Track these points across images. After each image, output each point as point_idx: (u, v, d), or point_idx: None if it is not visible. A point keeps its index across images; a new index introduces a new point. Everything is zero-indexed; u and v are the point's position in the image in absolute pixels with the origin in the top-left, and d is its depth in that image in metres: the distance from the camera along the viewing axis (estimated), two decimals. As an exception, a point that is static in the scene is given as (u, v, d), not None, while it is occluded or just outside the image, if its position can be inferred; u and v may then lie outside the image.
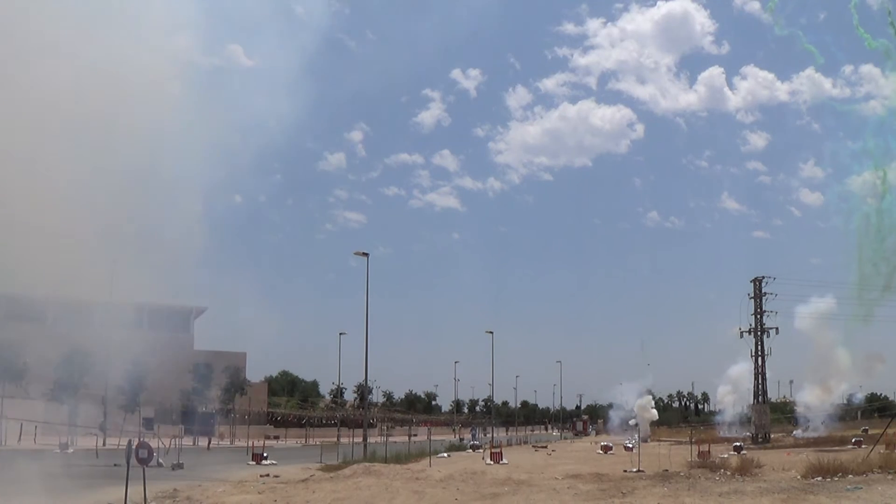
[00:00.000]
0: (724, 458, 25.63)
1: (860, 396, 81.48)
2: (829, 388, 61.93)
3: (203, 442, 48.24)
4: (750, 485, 16.88)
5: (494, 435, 66.33)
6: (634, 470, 22.72)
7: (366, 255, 38.26)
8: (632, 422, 69.92)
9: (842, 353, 57.33)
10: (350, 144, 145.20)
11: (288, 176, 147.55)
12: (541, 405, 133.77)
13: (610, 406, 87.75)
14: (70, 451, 34.39)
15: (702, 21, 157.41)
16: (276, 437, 61.30)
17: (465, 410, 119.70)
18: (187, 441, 41.51)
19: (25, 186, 18.91)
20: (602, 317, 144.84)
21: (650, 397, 78.45)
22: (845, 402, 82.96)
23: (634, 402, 76.18)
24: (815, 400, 62.94)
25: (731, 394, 68.71)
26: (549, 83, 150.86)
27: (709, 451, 28.35)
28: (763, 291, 54.20)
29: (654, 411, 77.57)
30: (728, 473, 19.80)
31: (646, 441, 50.96)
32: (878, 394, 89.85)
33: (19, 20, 18.72)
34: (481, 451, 39.43)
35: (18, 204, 18.69)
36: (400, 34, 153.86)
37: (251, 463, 28.97)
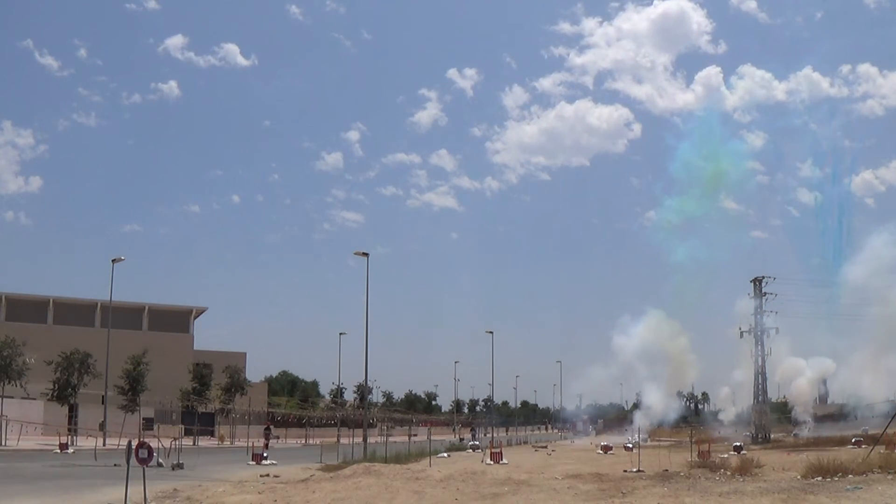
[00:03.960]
0: (724, 458, 25.63)
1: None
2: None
3: (203, 442, 48.20)
4: (750, 485, 16.87)
5: (494, 435, 66.29)
6: (634, 470, 22.73)
7: (366, 255, 38.24)
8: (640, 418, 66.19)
9: None
10: (347, 144, 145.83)
11: (285, 176, 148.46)
12: (541, 405, 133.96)
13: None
14: (70, 451, 34.38)
15: (698, 20, 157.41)
16: (277, 437, 61.30)
17: (465, 410, 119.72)
18: (187, 441, 41.48)
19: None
20: (601, 316, 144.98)
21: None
22: (845, 402, 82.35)
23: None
24: (870, 384, 51.37)
25: (731, 393, 67.02)
26: (546, 83, 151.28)
27: (709, 452, 28.37)
28: (763, 291, 54.24)
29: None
30: (728, 473, 19.79)
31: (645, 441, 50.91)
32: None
33: None
34: (481, 451, 39.40)
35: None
36: (396, 34, 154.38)
37: (251, 463, 28.97)
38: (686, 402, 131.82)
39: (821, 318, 59.01)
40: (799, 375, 58.63)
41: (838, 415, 66.69)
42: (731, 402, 67.89)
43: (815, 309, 77.26)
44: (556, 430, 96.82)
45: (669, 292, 68.66)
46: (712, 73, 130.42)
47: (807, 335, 58.55)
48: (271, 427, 54.03)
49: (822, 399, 76.77)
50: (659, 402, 67.65)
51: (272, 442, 49.40)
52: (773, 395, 74.35)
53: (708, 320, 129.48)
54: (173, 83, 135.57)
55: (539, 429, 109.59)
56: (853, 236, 58.01)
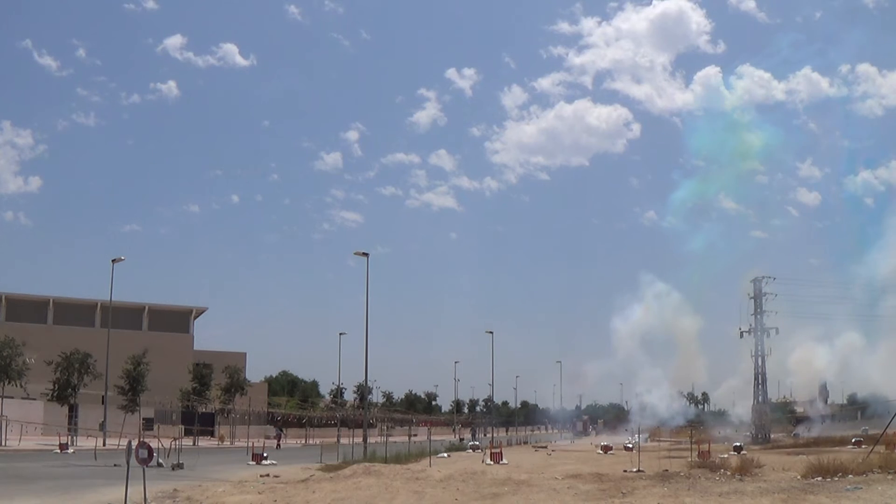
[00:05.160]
0: (724, 458, 25.63)
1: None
2: None
3: (203, 442, 48.19)
4: (750, 485, 16.87)
5: (494, 435, 66.28)
6: (634, 470, 22.72)
7: (366, 255, 38.28)
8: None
9: None
10: (346, 144, 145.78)
11: (285, 176, 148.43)
12: (541, 405, 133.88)
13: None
14: (70, 451, 34.39)
15: (697, 20, 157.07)
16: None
17: (466, 410, 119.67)
18: (187, 441, 41.49)
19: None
20: (601, 316, 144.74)
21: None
22: (846, 401, 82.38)
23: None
24: (889, 379, 47.79)
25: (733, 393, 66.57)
26: (545, 83, 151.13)
27: (709, 452, 28.39)
28: (763, 291, 54.26)
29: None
30: (728, 473, 19.78)
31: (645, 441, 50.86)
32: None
33: None
34: (481, 451, 39.41)
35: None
36: (394, 33, 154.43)
37: (251, 463, 28.98)
38: (688, 403, 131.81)
39: (831, 316, 58.96)
40: (815, 360, 57.80)
41: (849, 411, 66.27)
42: (733, 402, 67.78)
43: (823, 309, 77.22)
44: (555, 431, 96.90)
45: (673, 286, 67.77)
46: (711, 72, 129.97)
47: (819, 332, 58.49)
48: (282, 427, 53.85)
49: (822, 391, 76.36)
50: (662, 401, 67.63)
51: (272, 442, 49.41)
52: (775, 395, 74.27)
53: (709, 319, 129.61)
54: (172, 83, 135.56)
55: (539, 429, 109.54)
56: (863, 233, 57.58)
